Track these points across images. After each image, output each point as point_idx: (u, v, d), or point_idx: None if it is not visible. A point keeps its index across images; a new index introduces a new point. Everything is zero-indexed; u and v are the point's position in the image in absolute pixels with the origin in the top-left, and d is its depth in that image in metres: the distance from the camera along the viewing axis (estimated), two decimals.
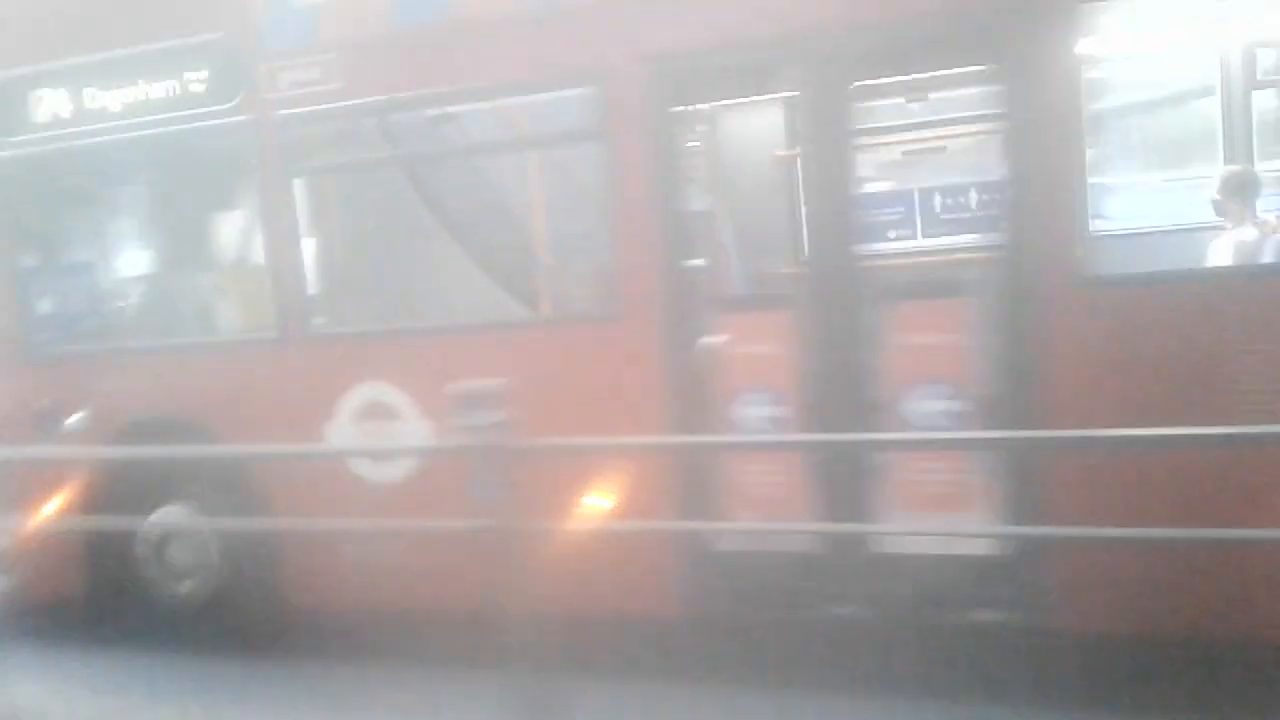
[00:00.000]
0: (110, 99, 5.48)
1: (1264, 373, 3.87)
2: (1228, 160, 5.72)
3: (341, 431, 5.16)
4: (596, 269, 4.86)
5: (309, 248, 5.45)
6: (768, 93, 5.13)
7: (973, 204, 6.33)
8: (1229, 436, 3.55)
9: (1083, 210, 4.10)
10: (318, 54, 5.05)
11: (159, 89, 5.39)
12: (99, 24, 5.48)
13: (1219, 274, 4.74)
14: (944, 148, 6.12)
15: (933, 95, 5.73)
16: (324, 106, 5.06)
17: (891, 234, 6.59)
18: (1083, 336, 4.08)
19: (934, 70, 4.89)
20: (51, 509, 5.35)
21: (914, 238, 6.59)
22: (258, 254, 5.61)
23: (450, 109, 5.08)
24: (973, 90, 5.00)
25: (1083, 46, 4.04)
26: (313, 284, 5.55)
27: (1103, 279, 4.10)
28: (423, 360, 5.02)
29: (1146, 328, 4.03)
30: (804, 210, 4.62)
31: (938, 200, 6.51)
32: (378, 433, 5.10)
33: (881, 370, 4.39)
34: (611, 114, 4.57)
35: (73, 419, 5.66)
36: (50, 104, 5.60)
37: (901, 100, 5.79)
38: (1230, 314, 3.95)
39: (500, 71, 4.78)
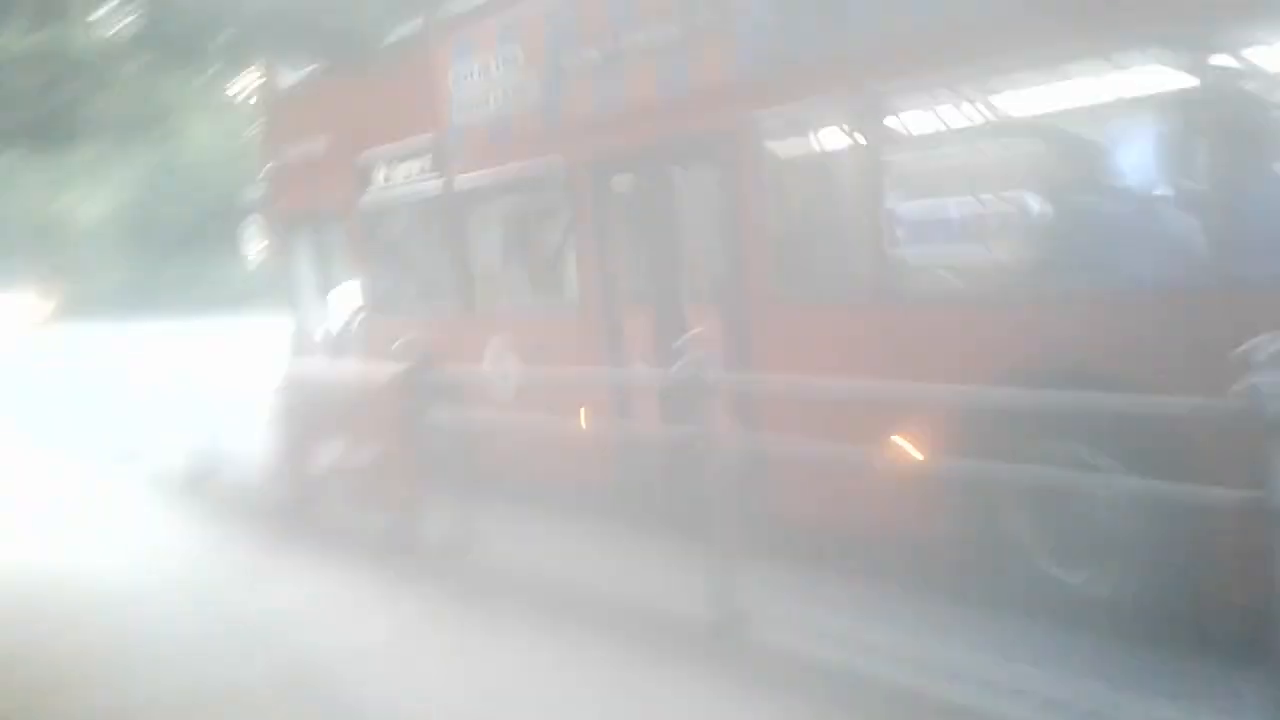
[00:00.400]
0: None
1: (875, 358, 5.95)
2: None
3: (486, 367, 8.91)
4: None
5: (474, 260, 9.24)
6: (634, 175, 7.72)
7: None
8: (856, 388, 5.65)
9: (768, 252, 6.53)
10: (459, 151, 8.84)
11: (420, 166, 9.53)
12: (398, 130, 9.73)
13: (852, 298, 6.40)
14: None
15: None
16: (458, 178, 8.90)
17: None
18: (776, 334, 6.54)
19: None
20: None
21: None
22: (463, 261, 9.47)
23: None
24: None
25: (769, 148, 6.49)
26: (473, 281, 9.32)
27: (784, 297, 6.52)
28: (509, 330, 8.64)
29: (810, 331, 6.39)
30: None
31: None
32: (503, 370, 8.77)
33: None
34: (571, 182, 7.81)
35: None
36: (376, 172, 10.03)
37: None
38: (862, 325, 6.13)
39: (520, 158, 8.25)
